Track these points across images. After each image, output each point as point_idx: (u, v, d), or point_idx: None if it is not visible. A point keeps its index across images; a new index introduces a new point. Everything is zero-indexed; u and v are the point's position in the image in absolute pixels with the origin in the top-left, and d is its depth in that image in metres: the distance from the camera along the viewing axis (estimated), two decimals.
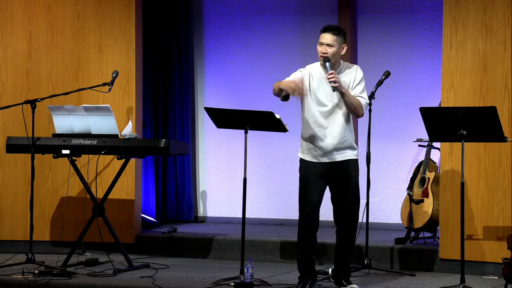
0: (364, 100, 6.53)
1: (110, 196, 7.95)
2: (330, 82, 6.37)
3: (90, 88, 8.08)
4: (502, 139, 6.68)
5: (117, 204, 8.41)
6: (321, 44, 6.51)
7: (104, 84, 7.93)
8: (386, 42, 9.17)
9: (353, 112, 6.50)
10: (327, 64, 6.44)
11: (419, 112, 6.77)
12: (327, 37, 6.49)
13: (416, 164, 8.32)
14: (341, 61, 6.63)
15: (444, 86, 7.56)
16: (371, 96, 7.51)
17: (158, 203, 9.45)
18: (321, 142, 6.55)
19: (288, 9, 9.51)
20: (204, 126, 9.74)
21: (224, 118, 7.23)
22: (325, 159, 6.57)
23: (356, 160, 6.65)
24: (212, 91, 9.74)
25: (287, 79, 6.61)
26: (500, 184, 7.34)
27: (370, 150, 7.58)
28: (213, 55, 9.74)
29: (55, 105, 7.93)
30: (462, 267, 6.73)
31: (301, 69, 6.67)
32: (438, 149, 7.87)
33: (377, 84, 7.65)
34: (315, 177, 6.58)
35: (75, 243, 7.84)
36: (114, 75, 7.94)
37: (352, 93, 6.50)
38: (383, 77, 7.76)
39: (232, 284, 6.92)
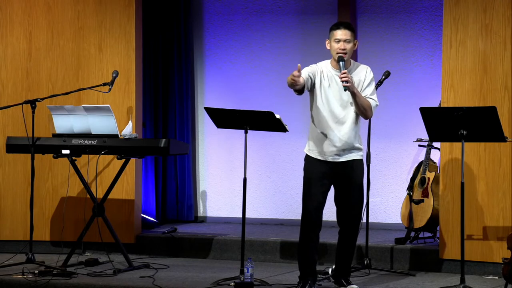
0: (374, 102, 6.51)
1: (110, 196, 7.95)
2: (343, 81, 6.28)
3: (90, 88, 8.08)
4: (502, 139, 6.69)
5: (117, 204, 8.41)
6: (338, 40, 6.43)
7: (104, 84, 7.93)
8: (386, 42, 9.17)
9: (362, 113, 6.47)
10: (341, 63, 6.37)
11: (419, 112, 6.77)
12: (345, 33, 6.43)
13: (416, 164, 8.32)
14: (351, 60, 6.59)
15: (444, 86, 7.56)
16: None
17: (158, 203, 9.45)
18: (328, 141, 6.52)
19: (288, 9, 9.51)
20: (204, 126, 9.74)
21: (224, 118, 7.23)
22: (330, 159, 6.55)
23: (361, 160, 6.63)
24: (212, 91, 9.74)
25: (302, 70, 6.47)
26: (500, 184, 7.34)
27: (370, 150, 7.59)
28: (213, 55, 9.74)
29: (55, 105, 7.93)
30: (462, 267, 6.73)
31: (313, 65, 6.59)
32: (438, 149, 7.87)
33: (377, 84, 7.64)
34: (320, 176, 6.56)
35: (75, 243, 7.84)
36: (114, 75, 7.94)
37: (363, 94, 6.48)
38: (383, 77, 7.76)
39: (232, 284, 6.92)
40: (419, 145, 8.40)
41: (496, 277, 7.25)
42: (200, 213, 9.78)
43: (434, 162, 8.13)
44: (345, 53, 6.43)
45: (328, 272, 7.23)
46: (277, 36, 9.53)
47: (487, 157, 7.39)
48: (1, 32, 8.65)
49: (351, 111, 6.51)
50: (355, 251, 6.84)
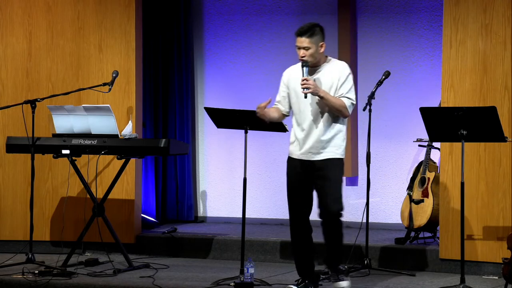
0: (349, 100, 6.39)
1: (110, 196, 7.95)
2: (303, 88, 6.29)
3: (90, 88, 8.09)
4: (502, 139, 6.69)
5: (117, 204, 8.41)
6: (298, 48, 6.45)
7: (104, 84, 7.93)
8: (386, 42, 9.16)
9: (337, 113, 6.38)
10: (304, 69, 6.37)
11: (419, 112, 6.77)
12: (302, 41, 6.43)
13: (416, 164, 8.32)
14: (327, 57, 6.52)
15: (444, 86, 7.56)
16: (371, 96, 7.52)
17: (158, 203, 9.45)
18: (303, 140, 6.45)
19: (288, 9, 9.51)
20: (204, 126, 9.74)
21: (224, 118, 7.23)
22: (305, 157, 6.46)
23: (340, 159, 6.48)
24: (212, 91, 9.74)
25: (277, 96, 6.62)
26: (500, 184, 7.34)
27: (370, 150, 7.58)
28: (213, 55, 9.74)
29: (55, 105, 7.93)
30: (462, 267, 6.73)
31: (284, 74, 6.61)
32: (438, 149, 7.87)
33: (377, 84, 7.65)
34: (300, 179, 6.49)
35: (75, 243, 7.84)
36: (114, 75, 7.95)
37: (338, 93, 6.39)
38: (383, 77, 7.75)
39: (232, 284, 6.93)
40: (419, 145, 8.40)
41: (496, 277, 7.25)
42: (200, 213, 9.78)
43: (434, 162, 8.13)
44: (305, 61, 6.40)
45: (328, 272, 7.23)
46: (277, 36, 9.53)
47: (487, 157, 7.39)
48: (1, 32, 8.65)
49: (326, 109, 6.41)
50: (341, 251, 6.65)
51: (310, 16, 9.39)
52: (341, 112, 6.38)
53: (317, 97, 6.36)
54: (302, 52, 6.42)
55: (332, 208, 6.47)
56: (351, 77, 6.46)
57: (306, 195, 6.54)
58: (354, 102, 6.45)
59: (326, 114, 6.41)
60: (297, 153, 6.51)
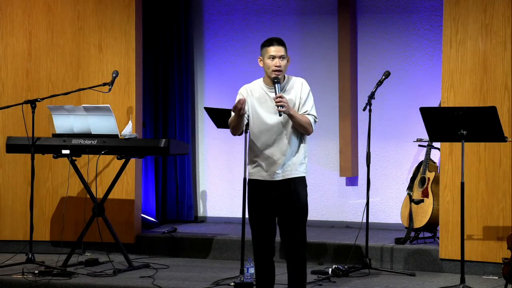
0: (312, 117, 6.03)
1: (110, 196, 7.95)
2: (278, 106, 5.87)
3: (90, 88, 8.09)
4: (502, 139, 6.69)
5: (117, 204, 8.41)
6: (273, 57, 6.03)
7: (104, 84, 7.93)
8: (386, 42, 9.16)
9: (302, 130, 6.02)
10: (277, 86, 5.95)
11: (419, 112, 6.77)
12: (279, 49, 6.05)
13: (416, 164, 8.32)
14: (285, 75, 6.12)
15: (444, 86, 7.56)
16: (371, 96, 7.52)
17: (158, 203, 9.44)
18: (267, 161, 6.02)
19: (288, 9, 9.51)
20: (204, 126, 9.74)
21: (224, 118, 7.21)
22: (269, 177, 6.01)
23: (303, 177, 6.08)
24: (212, 91, 9.74)
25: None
26: (500, 184, 7.34)
27: (370, 150, 7.58)
28: (213, 55, 9.74)
29: (55, 105, 7.93)
30: (462, 267, 6.73)
31: (241, 90, 6.20)
32: (438, 149, 7.87)
33: (377, 84, 7.65)
34: (263, 202, 6.02)
35: (75, 243, 7.84)
36: (114, 75, 7.95)
37: (302, 110, 6.02)
38: (383, 77, 7.75)
39: (232, 284, 6.93)
40: (419, 145, 8.39)
41: (496, 277, 7.25)
42: (200, 213, 9.78)
43: (434, 162, 8.13)
44: (280, 71, 6.01)
45: (328, 272, 7.23)
46: (277, 36, 9.48)
47: (487, 157, 7.39)
48: (1, 32, 8.65)
49: (288, 126, 6.02)
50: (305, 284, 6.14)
51: (310, 16, 9.39)
52: (306, 130, 6.02)
53: (278, 118, 5.98)
54: (277, 62, 6.01)
55: (302, 235, 6.02)
56: (311, 94, 6.11)
57: (270, 212, 6.02)
58: (317, 119, 6.11)
59: (289, 133, 6.02)
60: (262, 174, 6.03)
